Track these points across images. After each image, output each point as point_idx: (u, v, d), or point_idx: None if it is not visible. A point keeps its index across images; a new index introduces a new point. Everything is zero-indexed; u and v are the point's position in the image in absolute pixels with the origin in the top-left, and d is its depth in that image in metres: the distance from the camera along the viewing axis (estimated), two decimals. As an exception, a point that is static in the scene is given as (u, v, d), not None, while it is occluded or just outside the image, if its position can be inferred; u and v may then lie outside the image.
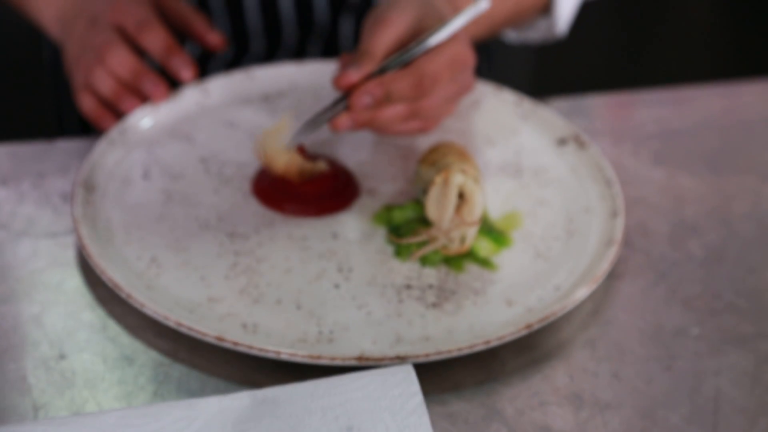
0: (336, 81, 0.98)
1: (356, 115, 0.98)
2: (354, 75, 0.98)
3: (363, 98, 0.97)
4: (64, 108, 1.36)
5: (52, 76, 1.36)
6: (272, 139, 0.98)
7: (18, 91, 2.08)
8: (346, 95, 0.99)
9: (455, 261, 0.94)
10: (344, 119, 0.98)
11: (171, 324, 0.87)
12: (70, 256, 0.96)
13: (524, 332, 0.88)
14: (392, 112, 0.99)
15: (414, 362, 0.85)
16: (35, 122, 1.83)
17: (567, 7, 1.19)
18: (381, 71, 0.99)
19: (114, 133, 1.04)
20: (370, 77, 0.98)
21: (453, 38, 1.00)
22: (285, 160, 0.98)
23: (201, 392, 0.86)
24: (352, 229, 0.98)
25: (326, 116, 0.99)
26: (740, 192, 1.06)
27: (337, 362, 0.85)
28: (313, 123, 1.00)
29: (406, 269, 0.94)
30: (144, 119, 1.06)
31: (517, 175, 1.04)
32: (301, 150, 1.00)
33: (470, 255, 0.95)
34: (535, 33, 1.24)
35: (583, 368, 0.89)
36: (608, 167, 1.03)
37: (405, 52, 0.99)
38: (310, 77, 1.13)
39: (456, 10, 1.03)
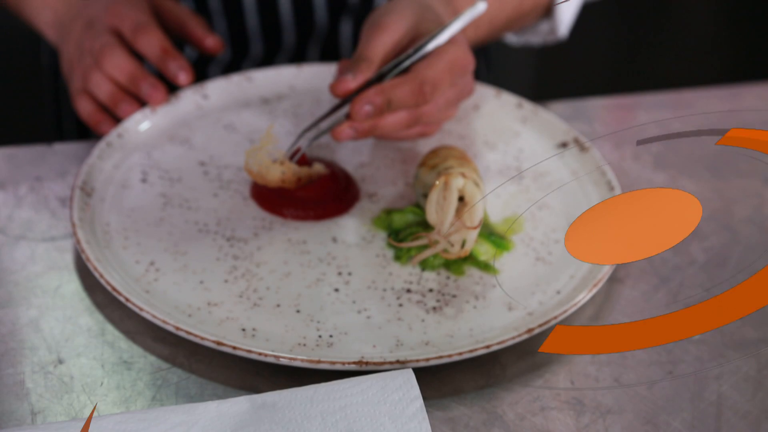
0: (333, 87, 0.98)
1: (358, 124, 0.97)
2: (351, 82, 0.97)
3: (364, 107, 0.96)
4: (63, 112, 1.35)
5: (51, 80, 1.36)
6: (259, 155, 0.96)
7: (17, 95, 2.08)
8: (344, 102, 0.99)
9: (455, 265, 0.94)
10: (346, 129, 0.97)
11: (169, 328, 0.87)
12: (68, 260, 0.96)
13: (525, 336, 0.87)
14: (394, 119, 0.99)
15: (414, 366, 0.85)
16: (34, 126, 1.83)
17: (568, 10, 1.19)
18: (379, 77, 0.99)
19: (112, 136, 1.04)
20: (368, 83, 0.98)
21: (451, 42, 0.99)
22: (279, 172, 0.97)
23: (199, 397, 0.85)
24: (351, 233, 0.97)
25: (326, 125, 0.99)
26: (742, 196, 1.06)
27: (337, 367, 0.85)
28: (313, 132, 0.99)
29: (406, 273, 0.94)
30: (142, 123, 1.06)
31: (517, 179, 1.03)
32: (302, 156, 0.99)
33: (471, 259, 0.94)
34: (536, 36, 1.23)
35: (584, 373, 0.88)
36: (609, 171, 1.02)
37: (404, 57, 0.99)
38: (310, 80, 1.12)
39: (454, 13, 1.03)
